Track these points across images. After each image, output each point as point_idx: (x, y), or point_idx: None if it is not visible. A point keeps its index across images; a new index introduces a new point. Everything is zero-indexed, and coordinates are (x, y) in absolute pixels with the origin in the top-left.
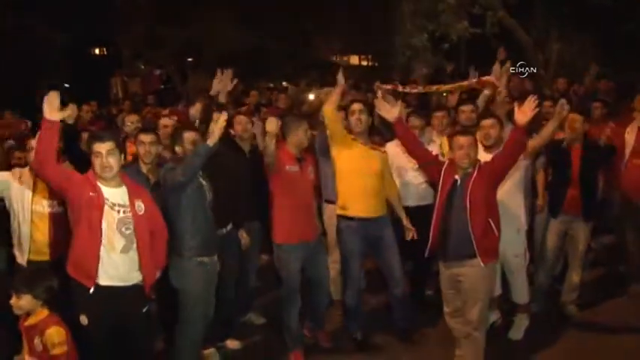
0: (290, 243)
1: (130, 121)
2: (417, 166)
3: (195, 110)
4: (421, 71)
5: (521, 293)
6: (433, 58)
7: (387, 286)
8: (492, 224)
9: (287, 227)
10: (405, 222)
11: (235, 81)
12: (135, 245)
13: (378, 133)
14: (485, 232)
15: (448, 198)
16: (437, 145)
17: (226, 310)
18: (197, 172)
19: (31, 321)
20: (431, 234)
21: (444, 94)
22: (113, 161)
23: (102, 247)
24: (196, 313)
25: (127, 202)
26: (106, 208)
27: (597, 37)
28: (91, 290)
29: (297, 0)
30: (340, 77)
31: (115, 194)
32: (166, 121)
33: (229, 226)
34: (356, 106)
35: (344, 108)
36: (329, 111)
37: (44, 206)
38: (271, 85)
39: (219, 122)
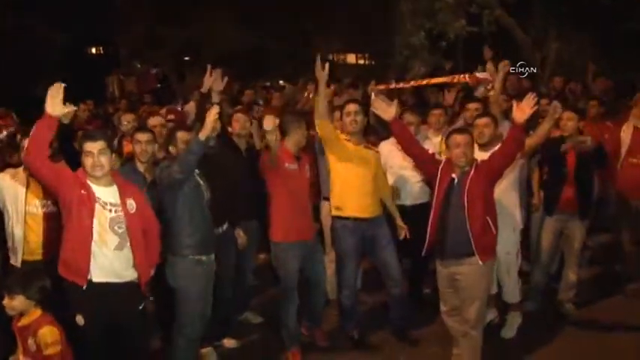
0: (288, 241)
1: (127, 120)
2: (413, 164)
3: (189, 108)
4: (419, 70)
5: (512, 292)
6: (431, 56)
7: (383, 285)
8: (490, 222)
9: (285, 225)
10: (398, 221)
11: (226, 79)
12: (128, 243)
13: (374, 132)
14: (484, 230)
15: (445, 197)
16: (432, 144)
17: (223, 309)
18: (192, 169)
19: (24, 321)
20: (428, 233)
21: (446, 90)
22: (104, 160)
23: (94, 245)
24: (194, 312)
25: (119, 201)
26: (97, 206)
27: (596, 36)
28: (84, 287)
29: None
30: (319, 70)
31: (105, 193)
32: (154, 121)
33: (225, 225)
34: (351, 107)
35: (339, 108)
36: (320, 123)
37: (37, 206)
38: (268, 83)
39: (210, 116)
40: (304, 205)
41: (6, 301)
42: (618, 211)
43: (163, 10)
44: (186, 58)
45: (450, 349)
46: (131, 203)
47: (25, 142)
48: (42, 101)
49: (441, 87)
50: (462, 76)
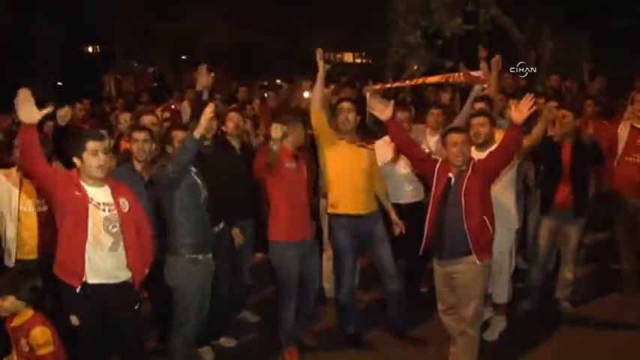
0: (288, 241)
1: (124, 119)
2: (408, 163)
3: (184, 106)
4: (418, 69)
5: (501, 292)
6: (427, 55)
7: (380, 283)
8: (487, 221)
9: (285, 225)
10: (393, 217)
11: (212, 75)
12: (122, 243)
13: (369, 131)
14: (481, 230)
15: (443, 196)
16: (432, 142)
17: (220, 308)
18: (187, 167)
19: (16, 322)
20: (425, 232)
21: (443, 89)
22: (109, 160)
23: (88, 246)
24: (191, 311)
25: (112, 201)
26: (91, 207)
27: (590, 34)
28: (78, 289)
29: None
30: (321, 58)
31: (98, 193)
32: (146, 120)
33: (222, 224)
34: (344, 105)
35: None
36: (315, 114)
37: (31, 206)
38: (265, 83)
39: (205, 114)
40: (303, 203)
41: None
42: (614, 209)
43: (157, 7)
44: (183, 57)
45: (447, 347)
46: (124, 202)
47: (18, 142)
48: (38, 101)
49: (440, 86)
50: (456, 74)
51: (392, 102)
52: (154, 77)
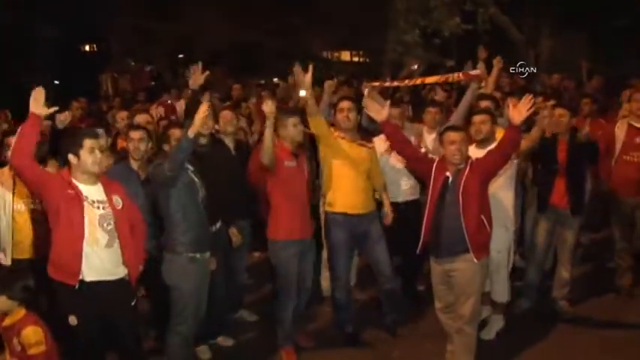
0: (288, 239)
1: (121, 118)
2: (405, 163)
3: (180, 104)
4: (409, 68)
5: (501, 291)
6: (425, 54)
7: (376, 282)
8: (485, 220)
9: (285, 224)
10: (387, 207)
11: (206, 74)
12: (117, 240)
13: (365, 131)
14: (478, 228)
15: (440, 195)
16: (430, 141)
17: (217, 307)
18: (182, 166)
19: (8, 322)
20: (423, 231)
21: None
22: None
23: (85, 244)
24: (188, 310)
25: (105, 198)
26: (86, 205)
27: (589, 34)
28: (76, 287)
29: None
30: (299, 75)
31: (92, 191)
32: (140, 119)
33: (219, 224)
34: (345, 104)
35: (334, 105)
36: (311, 120)
37: (25, 204)
38: (262, 81)
39: (200, 112)
40: (303, 202)
41: None
42: (611, 208)
43: (154, 6)
44: (180, 56)
45: (444, 345)
46: (117, 199)
47: (11, 140)
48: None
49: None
50: (455, 75)
51: (388, 102)
52: (151, 76)
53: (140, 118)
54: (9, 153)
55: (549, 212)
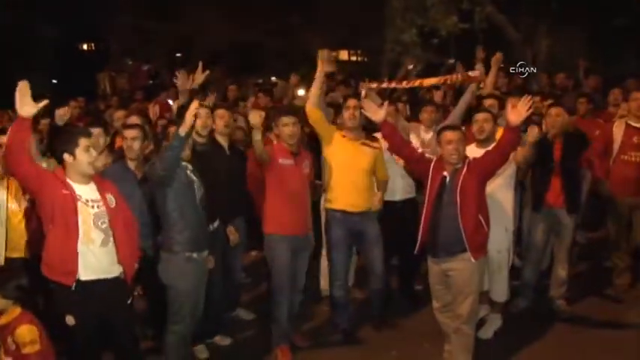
0: (280, 233)
1: (118, 117)
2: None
3: (177, 103)
4: (406, 68)
5: (500, 291)
6: (423, 53)
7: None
8: (482, 220)
9: (277, 217)
10: (380, 193)
11: (192, 78)
12: (112, 238)
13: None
14: (476, 228)
15: (438, 195)
16: (427, 140)
17: (215, 306)
18: (176, 165)
19: (3, 320)
20: (420, 231)
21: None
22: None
23: (80, 243)
24: (185, 309)
25: (99, 197)
26: (80, 204)
27: (586, 32)
28: (73, 287)
29: None
30: (322, 62)
31: (86, 190)
32: (132, 121)
33: (216, 223)
34: (351, 102)
35: (334, 105)
36: (310, 111)
37: (19, 203)
38: (260, 80)
39: (190, 110)
40: (300, 200)
41: None
42: (608, 207)
43: (153, 5)
44: (178, 55)
45: (442, 345)
46: (110, 198)
47: (3, 139)
48: (33, 98)
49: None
50: (453, 76)
51: (385, 103)
52: (149, 75)
53: (132, 120)
54: (2, 153)
55: (545, 211)
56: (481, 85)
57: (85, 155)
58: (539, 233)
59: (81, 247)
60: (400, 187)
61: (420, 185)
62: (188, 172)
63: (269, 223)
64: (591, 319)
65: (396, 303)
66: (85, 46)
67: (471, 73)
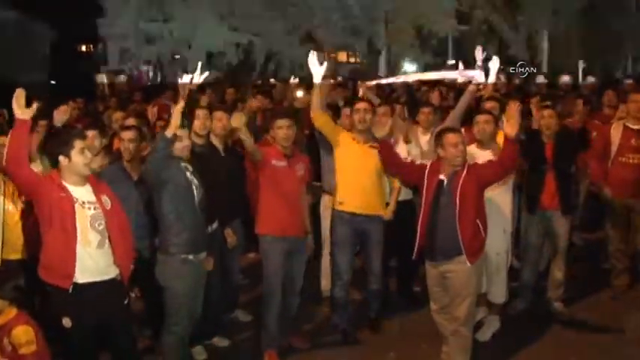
0: (273, 234)
1: (115, 119)
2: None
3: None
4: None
5: (499, 292)
6: (421, 55)
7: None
8: (480, 226)
9: (269, 219)
10: (391, 205)
11: (206, 74)
12: (108, 240)
13: None
14: (474, 234)
15: (435, 198)
16: (424, 141)
17: (213, 307)
18: (161, 165)
19: None
20: (418, 236)
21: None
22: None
23: (78, 245)
24: (182, 310)
25: (95, 199)
26: (77, 206)
27: (584, 34)
28: (70, 290)
29: None
30: (314, 65)
31: (82, 192)
32: (130, 122)
33: (215, 225)
34: (361, 105)
35: (332, 107)
36: (316, 117)
37: (16, 204)
38: (259, 82)
39: (174, 112)
40: (293, 202)
41: None
42: (606, 209)
43: (150, 6)
44: (177, 57)
45: (440, 347)
46: (106, 199)
47: (3, 140)
48: (31, 98)
49: (433, 85)
50: (452, 73)
51: (390, 121)
52: (147, 76)
53: (129, 122)
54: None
55: (540, 213)
56: (480, 87)
57: (80, 157)
58: (535, 235)
59: (78, 249)
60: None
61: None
62: (188, 173)
63: (262, 224)
64: (589, 320)
65: (394, 304)
66: (83, 47)
67: (469, 73)
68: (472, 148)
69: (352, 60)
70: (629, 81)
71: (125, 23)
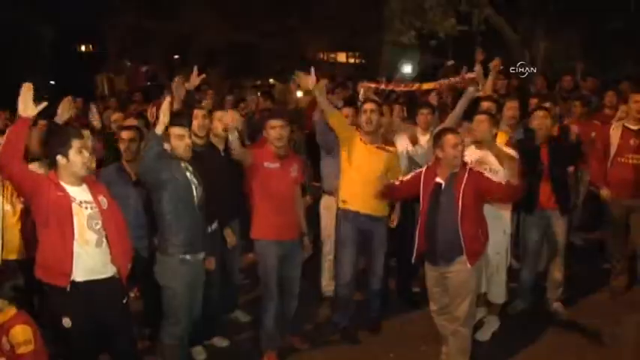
0: (266, 239)
1: (114, 120)
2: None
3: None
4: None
5: (499, 292)
6: (421, 55)
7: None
8: (481, 229)
9: (263, 222)
10: (397, 210)
11: (184, 87)
12: (105, 239)
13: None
14: (475, 234)
15: (433, 202)
16: (423, 142)
17: (212, 308)
18: (153, 163)
19: None
20: (417, 240)
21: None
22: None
23: (76, 244)
24: (181, 310)
25: (92, 198)
26: (74, 206)
27: (583, 35)
28: (68, 288)
29: None
30: (303, 79)
31: (79, 192)
32: (129, 123)
33: (214, 225)
34: (368, 106)
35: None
36: (330, 116)
37: (14, 205)
38: (258, 82)
39: (162, 108)
40: (286, 204)
41: None
42: (605, 209)
43: (151, 5)
44: (176, 56)
45: (439, 347)
46: (102, 199)
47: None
48: (37, 98)
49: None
50: (451, 79)
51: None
52: (147, 76)
53: (129, 123)
54: None
55: (538, 213)
56: (480, 87)
57: (78, 157)
58: (534, 235)
59: (77, 248)
60: None
61: None
62: (188, 173)
63: (255, 228)
64: (588, 321)
65: (393, 305)
66: (83, 48)
67: (468, 75)
68: (472, 148)
69: (352, 60)
70: (629, 81)
71: (125, 23)
